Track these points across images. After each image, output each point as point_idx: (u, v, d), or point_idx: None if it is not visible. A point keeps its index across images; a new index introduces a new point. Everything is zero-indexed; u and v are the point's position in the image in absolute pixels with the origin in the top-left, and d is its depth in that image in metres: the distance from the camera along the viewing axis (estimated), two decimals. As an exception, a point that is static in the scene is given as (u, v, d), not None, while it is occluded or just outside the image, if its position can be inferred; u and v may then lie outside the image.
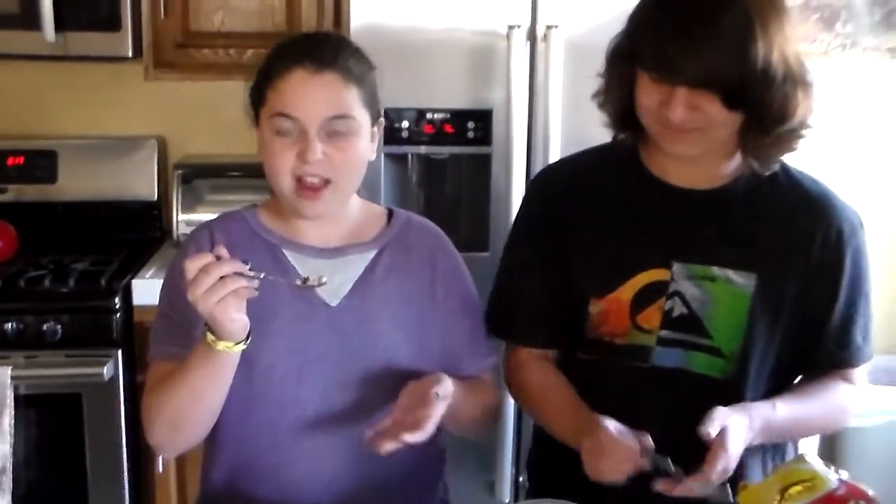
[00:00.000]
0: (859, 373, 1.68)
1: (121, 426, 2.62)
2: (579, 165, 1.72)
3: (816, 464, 1.34)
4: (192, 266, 1.41)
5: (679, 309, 1.59)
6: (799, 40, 1.54)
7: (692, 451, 1.48)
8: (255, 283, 1.44)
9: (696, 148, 1.52)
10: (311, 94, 1.55)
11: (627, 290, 1.60)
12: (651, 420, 1.58)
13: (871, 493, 1.32)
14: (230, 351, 1.47)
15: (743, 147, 1.55)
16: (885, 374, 3.35)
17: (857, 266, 1.61)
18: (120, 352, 2.60)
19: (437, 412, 1.49)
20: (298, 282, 1.55)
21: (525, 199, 1.77)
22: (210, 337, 1.45)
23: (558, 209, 1.67)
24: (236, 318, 1.43)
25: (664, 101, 1.45)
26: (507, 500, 2.69)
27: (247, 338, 1.48)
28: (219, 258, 1.41)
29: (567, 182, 1.70)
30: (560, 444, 1.67)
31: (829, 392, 1.64)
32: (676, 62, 1.42)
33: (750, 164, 1.57)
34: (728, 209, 1.59)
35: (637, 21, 1.50)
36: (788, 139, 1.52)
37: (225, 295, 1.40)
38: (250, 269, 1.43)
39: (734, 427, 1.44)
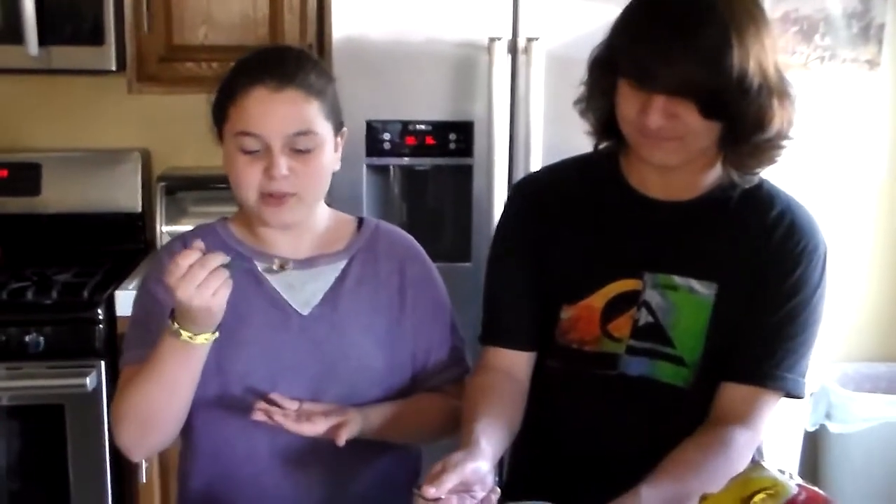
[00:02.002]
0: (768, 410, 1.58)
1: (104, 436, 2.63)
2: (560, 174, 1.73)
3: (773, 471, 1.35)
4: (184, 262, 1.43)
5: (645, 318, 1.60)
6: (780, 51, 1.53)
7: (661, 454, 1.49)
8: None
9: (674, 157, 1.53)
10: (273, 112, 1.56)
11: (599, 299, 1.61)
12: (618, 428, 1.60)
13: (828, 497, 1.33)
14: (207, 343, 1.50)
15: (723, 157, 1.56)
16: (867, 380, 3.39)
17: (804, 287, 1.57)
18: (103, 363, 2.61)
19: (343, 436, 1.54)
20: (275, 264, 1.57)
21: (507, 206, 1.77)
22: (186, 334, 1.48)
23: (537, 216, 1.68)
24: (222, 309, 1.48)
25: (642, 109, 1.46)
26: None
27: (218, 327, 1.52)
28: (203, 252, 1.45)
29: (547, 190, 1.71)
30: (537, 450, 1.69)
31: (720, 460, 1.50)
32: (653, 70, 1.43)
33: (730, 175, 1.57)
34: (697, 220, 1.59)
35: (618, 30, 1.51)
36: (767, 149, 1.52)
37: (218, 287, 1.44)
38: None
39: None
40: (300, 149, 1.57)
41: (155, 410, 1.57)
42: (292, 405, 1.58)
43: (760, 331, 1.57)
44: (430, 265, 1.78)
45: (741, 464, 1.49)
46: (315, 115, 1.59)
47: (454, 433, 1.75)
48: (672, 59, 1.41)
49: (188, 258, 1.43)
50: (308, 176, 1.58)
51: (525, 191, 1.76)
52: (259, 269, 1.65)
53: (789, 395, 1.59)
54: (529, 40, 2.56)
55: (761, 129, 1.48)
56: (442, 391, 1.74)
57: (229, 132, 1.59)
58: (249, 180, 1.57)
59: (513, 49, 2.58)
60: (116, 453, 2.63)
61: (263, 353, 1.63)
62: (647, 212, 1.61)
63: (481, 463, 1.40)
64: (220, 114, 1.61)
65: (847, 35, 3.30)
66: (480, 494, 1.37)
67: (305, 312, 1.65)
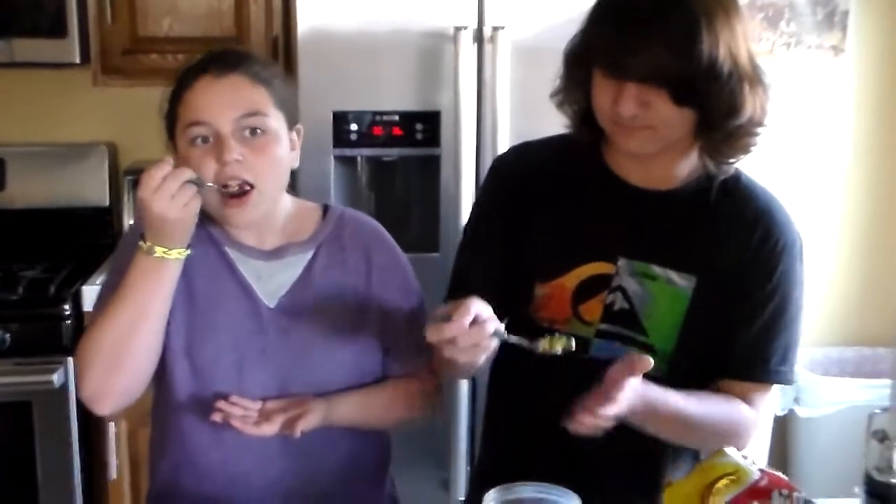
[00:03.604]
0: (766, 396, 1.64)
1: (72, 433, 2.61)
2: (542, 151, 1.73)
3: (736, 456, 1.37)
4: (158, 174, 1.47)
5: (620, 303, 1.61)
6: (752, 39, 1.54)
7: (627, 441, 1.53)
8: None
9: (649, 145, 1.54)
10: (218, 96, 1.56)
11: (571, 279, 1.62)
12: None
13: (789, 481, 1.35)
14: (181, 258, 1.54)
15: (699, 147, 1.57)
16: (835, 365, 3.42)
17: (786, 283, 1.61)
18: (70, 359, 2.57)
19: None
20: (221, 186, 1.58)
21: (488, 176, 1.77)
22: (161, 249, 1.51)
23: (518, 189, 1.68)
24: (195, 221, 1.52)
25: (615, 99, 1.48)
26: (461, 498, 2.70)
27: (189, 245, 1.55)
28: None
29: (528, 166, 1.71)
30: (507, 435, 1.71)
31: (726, 406, 1.61)
32: (625, 58, 1.45)
33: (706, 167, 1.58)
34: (677, 211, 1.60)
35: (590, 21, 1.53)
36: (741, 136, 1.53)
37: (190, 198, 1.49)
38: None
39: (633, 383, 1.44)
40: (250, 128, 1.57)
41: (126, 337, 1.55)
42: (254, 405, 1.59)
43: (750, 329, 1.60)
44: (396, 250, 1.78)
45: (743, 430, 1.59)
46: (263, 100, 1.60)
47: (425, 417, 1.77)
48: (642, 46, 1.43)
49: (161, 170, 1.47)
50: (262, 164, 1.58)
51: (508, 162, 1.76)
52: (231, 255, 1.65)
53: (780, 383, 1.64)
54: (495, 29, 2.56)
55: (734, 116, 1.49)
56: (413, 376, 1.74)
57: (180, 131, 1.58)
58: (205, 172, 1.55)
59: (479, 38, 2.58)
60: (86, 450, 2.64)
61: (232, 340, 1.63)
62: (626, 197, 1.62)
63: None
64: (171, 119, 1.61)
65: (812, 21, 3.32)
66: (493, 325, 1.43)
67: (272, 304, 1.65)
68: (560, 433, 1.63)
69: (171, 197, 1.47)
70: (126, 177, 3.04)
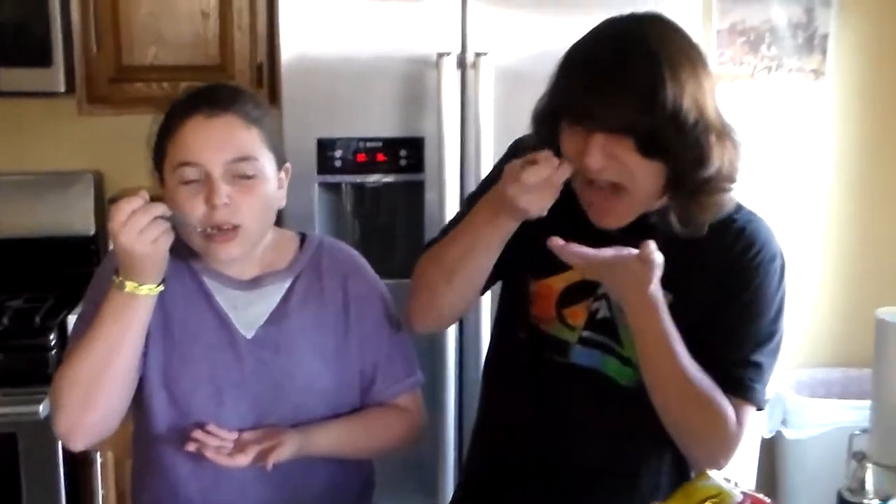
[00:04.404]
0: (747, 413, 1.61)
1: (58, 464, 2.59)
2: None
3: (719, 479, 1.38)
4: (127, 207, 1.45)
5: (603, 312, 1.63)
6: (715, 86, 1.53)
7: (604, 449, 1.57)
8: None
9: (623, 216, 1.54)
10: (210, 138, 1.55)
11: (559, 281, 1.64)
12: (568, 414, 1.65)
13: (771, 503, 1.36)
14: (152, 294, 1.52)
15: (674, 217, 1.56)
16: (821, 386, 3.43)
17: (758, 297, 1.60)
18: (56, 389, 2.58)
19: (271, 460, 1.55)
20: (209, 228, 1.56)
21: (507, 152, 1.76)
22: (131, 284, 1.49)
23: None
24: (165, 259, 1.50)
25: (583, 151, 1.47)
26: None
27: (163, 281, 1.53)
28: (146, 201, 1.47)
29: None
30: (495, 459, 1.73)
31: (717, 392, 1.57)
32: (591, 108, 1.45)
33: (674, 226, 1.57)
34: (657, 229, 1.61)
35: (557, 77, 1.54)
36: (709, 192, 1.52)
37: (159, 234, 1.46)
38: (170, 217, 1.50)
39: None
40: (241, 176, 1.56)
41: (98, 374, 1.54)
42: (230, 436, 1.58)
43: (726, 341, 1.60)
44: (374, 279, 1.78)
45: (723, 419, 1.55)
46: (254, 142, 1.58)
47: (406, 446, 1.77)
48: (607, 96, 1.44)
49: (131, 204, 1.45)
50: (250, 206, 1.57)
51: (526, 147, 1.74)
52: (208, 285, 1.65)
53: (750, 401, 1.60)
54: (478, 55, 2.58)
55: (701, 167, 1.48)
56: (393, 405, 1.74)
57: (169, 168, 1.57)
58: (192, 213, 1.54)
59: (461, 64, 2.60)
60: (72, 481, 2.62)
61: (209, 371, 1.63)
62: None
63: None
64: (159, 154, 1.60)
65: (793, 45, 3.36)
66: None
67: (250, 335, 1.65)
68: (540, 439, 1.66)
69: (139, 231, 1.45)
70: (112, 205, 3.03)
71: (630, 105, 1.43)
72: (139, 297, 1.51)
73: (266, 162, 1.60)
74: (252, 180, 1.57)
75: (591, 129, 1.46)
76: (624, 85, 1.43)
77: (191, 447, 1.55)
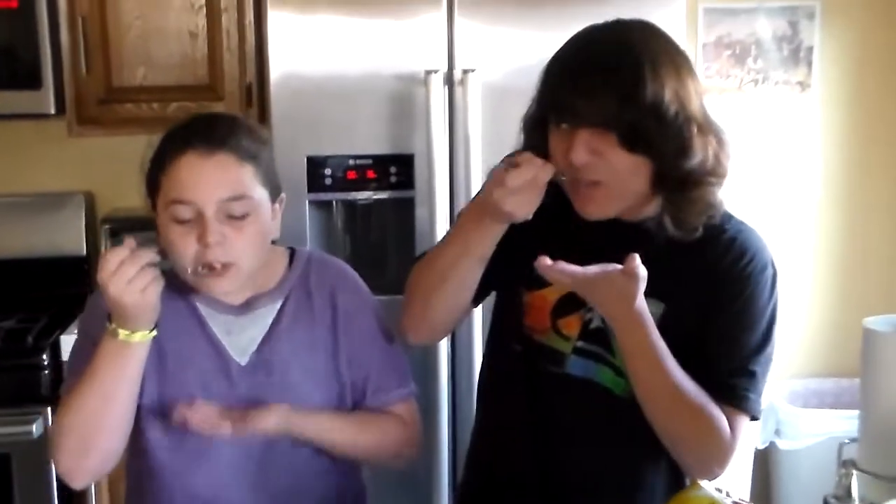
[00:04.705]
0: (741, 423, 1.62)
1: (52, 484, 2.59)
2: None
3: (711, 490, 1.38)
4: (114, 259, 1.45)
5: (596, 322, 1.63)
6: (702, 92, 1.55)
7: (600, 459, 1.57)
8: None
9: (607, 207, 1.56)
10: (204, 177, 1.54)
11: (553, 293, 1.65)
12: (563, 425, 1.66)
13: None
14: (145, 340, 1.52)
15: (662, 207, 1.58)
16: (814, 396, 3.44)
17: (749, 306, 1.61)
18: (49, 409, 2.57)
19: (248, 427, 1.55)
20: (200, 268, 1.56)
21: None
22: (124, 332, 1.50)
23: None
24: (156, 306, 1.50)
25: (568, 148, 1.50)
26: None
27: (155, 326, 1.53)
28: (133, 249, 1.47)
29: None
30: (492, 471, 1.74)
31: (707, 400, 1.58)
32: (574, 105, 1.49)
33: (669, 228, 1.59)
34: (651, 239, 1.63)
35: (542, 81, 1.57)
36: (694, 185, 1.54)
37: (148, 283, 1.46)
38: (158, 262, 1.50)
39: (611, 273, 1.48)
40: (235, 215, 1.55)
41: (93, 422, 1.55)
42: (214, 411, 1.57)
43: (719, 349, 1.61)
44: (363, 291, 1.77)
45: (714, 428, 1.55)
46: (249, 180, 1.57)
47: (401, 456, 1.76)
48: (590, 92, 1.47)
49: (118, 255, 1.45)
50: (244, 243, 1.56)
51: None
52: (201, 311, 1.65)
53: (745, 410, 1.61)
54: (465, 72, 2.60)
55: (683, 157, 1.51)
56: (388, 411, 1.74)
57: (162, 202, 1.57)
58: (185, 251, 1.54)
59: (449, 81, 2.62)
60: (66, 501, 2.62)
61: (203, 398, 1.61)
62: (602, 226, 1.63)
63: None
64: (153, 185, 1.59)
65: (778, 58, 3.38)
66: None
67: (244, 362, 1.65)
68: (535, 449, 1.67)
69: (127, 282, 1.45)
70: (103, 225, 3.05)
71: (612, 99, 1.46)
72: (132, 344, 1.51)
73: (260, 198, 1.59)
74: (245, 219, 1.56)
75: (576, 125, 1.49)
76: (606, 81, 1.47)
77: (177, 418, 1.54)
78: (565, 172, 1.53)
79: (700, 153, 1.52)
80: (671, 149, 1.50)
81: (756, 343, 1.61)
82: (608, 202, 1.55)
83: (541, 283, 1.64)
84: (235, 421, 1.55)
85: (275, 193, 1.64)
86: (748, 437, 1.62)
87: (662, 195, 1.56)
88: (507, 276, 1.67)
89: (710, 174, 1.55)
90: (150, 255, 1.48)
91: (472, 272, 1.63)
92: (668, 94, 1.48)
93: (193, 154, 1.54)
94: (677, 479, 1.70)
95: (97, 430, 1.56)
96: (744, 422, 1.61)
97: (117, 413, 1.56)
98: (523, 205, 1.50)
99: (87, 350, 1.58)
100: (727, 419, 1.59)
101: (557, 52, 1.57)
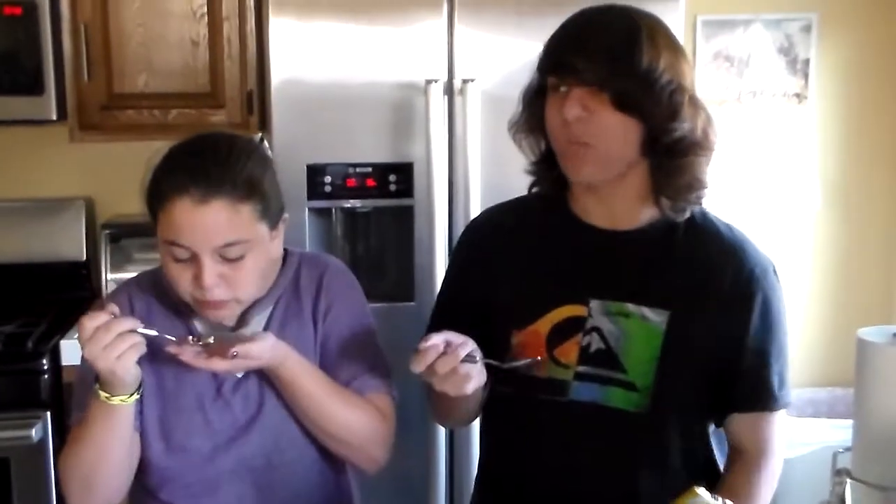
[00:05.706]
0: (777, 423, 1.68)
1: (51, 489, 2.60)
2: (506, 209, 1.79)
3: (707, 496, 1.39)
4: (90, 325, 1.44)
5: (596, 344, 1.63)
6: (693, 77, 1.61)
7: (610, 482, 1.58)
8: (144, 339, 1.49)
9: (598, 171, 1.58)
10: (200, 226, 1.51)
11: (545, 324, 1.65)
12: (570, 453, 1.64)
13: None
14: (125, 404, 1.51)
15: (654, 191, 1.62)
16: (809, 405, 3.45)
17: (767, 310, 1.65)
18: (49, 413, 2.59)
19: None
20: (191, 339, 1.56)
21: (455, 248, 1.82)
22: (103, 394, 1.50)
23: (485, 253, 1.72)
24: (133, 371, 1.49)
25: (562, 106, 1.54)
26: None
27: (139, 388, 1.52)
28: (114, 315, 1.46)
29: (494, 226, 1.76)
30: (497, 484, 1.74)
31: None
32: (570, 63, 1.54)
33: (664, 211, 1.62)
34: (644, 249, 1.64)
35: (543, 48, 1.61)
36: (684, 153, 1.57)
37: (124, 350, 1.45)
38: (144, 327, 1.50)
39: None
40: (231, 258, 1.54)
41: (93, 472, 1.57)
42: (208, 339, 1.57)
43: (747, 362, 1.64)
44: (347, 284, 1.75)
45: (770, 487, 1.70)
46: (245, 222, 1.54)
47: (373, 446, 1.71)
48: (587, 52, 1.53)
49: (95, 320, 1.45)
50: (242, 280, 1.55)
51: (472, 232, 1.81)
52: (200, 331, 1.64)
53: (783, 407, 1.68)
54: (465, 81, 2.62)
55: (673, 121, 1.55)
56: (367, 398, 1.69)
57: (160, 234, 1.55)
58: (182, 283, 1.55)
59: (449, 90, 2.64)
60: (63, 505, 2.63)
61: (202, 419, 1.63)
62: (592, 240, 1.66)
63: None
64: (152, 207, 1.56)
65: (775, 70, 3.41)
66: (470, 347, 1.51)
67: (240, 374, 1.64)
68: (546, 478, 1.67)
69: (102, 348, 1.44)
70: (104, 231, 3.06)
71: (608, 61, 1.52)
72: (113, 406, 1.51)
73: (259, 234, 1.57)
74: (243, 260, 1.55)
75: (571, 84, 1.54)
76: (603, 43, 1.54)
77: (171, 349, 1.53)
78: (559, 137, 1.57)
79: (689, 122, 1.56)
80: (662, 112, 1.54)
81: (778, 342, 1.67)
82: (597, 165, 1.58)
83: (528, 318, 1.65)
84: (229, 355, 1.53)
85: (277, 217, 1.61)
86: (785, 433, 1.70)
87: (651, 161, 1.59)
88: (492, 324, 1.67)
89: (699, 146, 1.59)
90: (129, 322, 1.47)
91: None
92: (662, 63, 1.53)
93: (188, 199, 1.50)
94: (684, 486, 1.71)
95: (97, 475, 1.57)
96: (781, 419, 1.68)
97: (114, 462, 1.57)
98: (458, 383, 1.51)
99: (89, 380, 1.57)
100: (763, 424, 1.66)
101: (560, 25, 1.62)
